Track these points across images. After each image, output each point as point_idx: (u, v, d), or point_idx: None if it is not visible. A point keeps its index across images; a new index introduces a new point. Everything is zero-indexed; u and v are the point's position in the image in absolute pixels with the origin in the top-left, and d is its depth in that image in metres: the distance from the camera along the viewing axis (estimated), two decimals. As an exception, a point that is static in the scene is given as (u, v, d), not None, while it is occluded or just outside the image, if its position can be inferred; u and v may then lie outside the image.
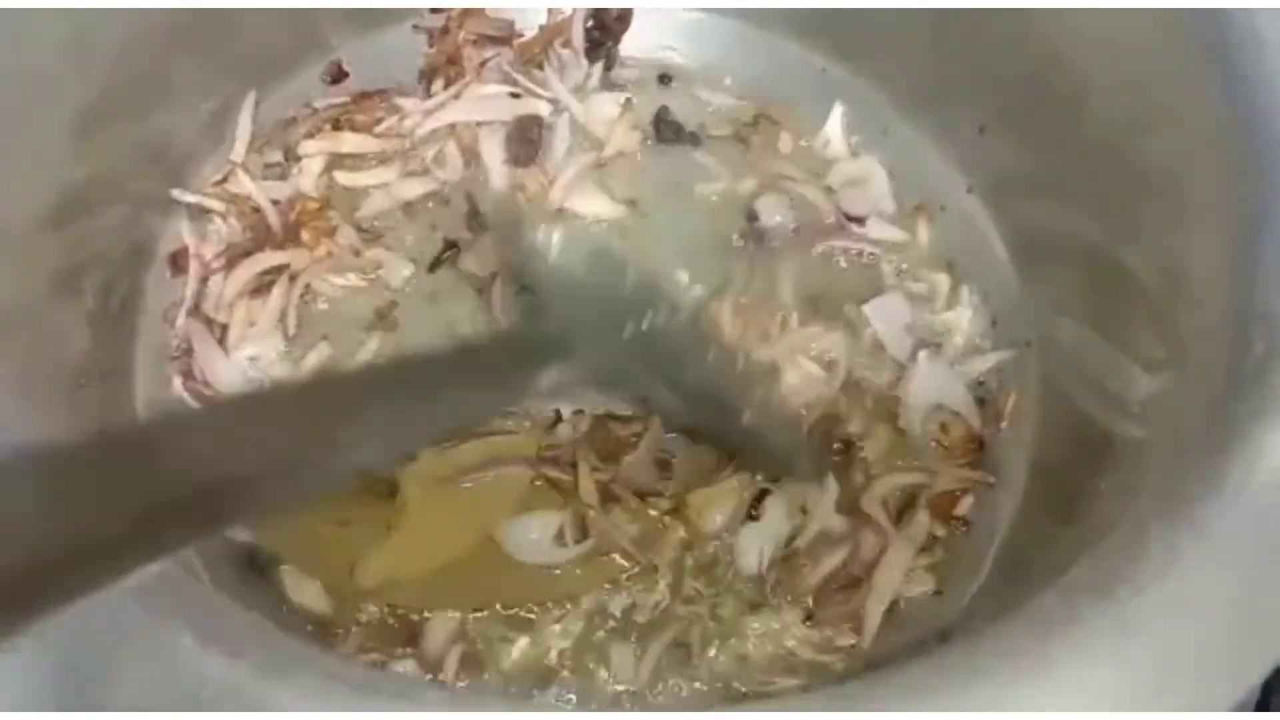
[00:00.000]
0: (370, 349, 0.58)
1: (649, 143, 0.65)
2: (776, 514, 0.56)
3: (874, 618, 0.53)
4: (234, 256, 0.56)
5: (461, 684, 0.51)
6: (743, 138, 0.66)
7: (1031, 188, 0.60)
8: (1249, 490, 0.37)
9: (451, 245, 0.61)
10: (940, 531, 0.56)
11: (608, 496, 0.55)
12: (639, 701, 0.52)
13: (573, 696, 0.52)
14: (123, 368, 0.54)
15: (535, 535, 0.54)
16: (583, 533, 0.54)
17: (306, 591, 0.52)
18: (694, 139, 0.66)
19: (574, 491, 0.55)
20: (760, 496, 0.56)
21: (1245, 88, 0.46)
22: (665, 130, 0.66)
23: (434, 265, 0.60)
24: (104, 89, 0.50)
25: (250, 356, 0.56)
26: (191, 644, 0.30)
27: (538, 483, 0.55)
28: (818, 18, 0.65)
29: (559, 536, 0.54)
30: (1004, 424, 0.59)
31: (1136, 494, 0.42)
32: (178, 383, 0.55)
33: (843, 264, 0.63)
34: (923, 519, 0.56)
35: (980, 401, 0.60)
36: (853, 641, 0.53)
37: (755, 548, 0.55)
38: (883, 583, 0.54)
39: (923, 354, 0.59)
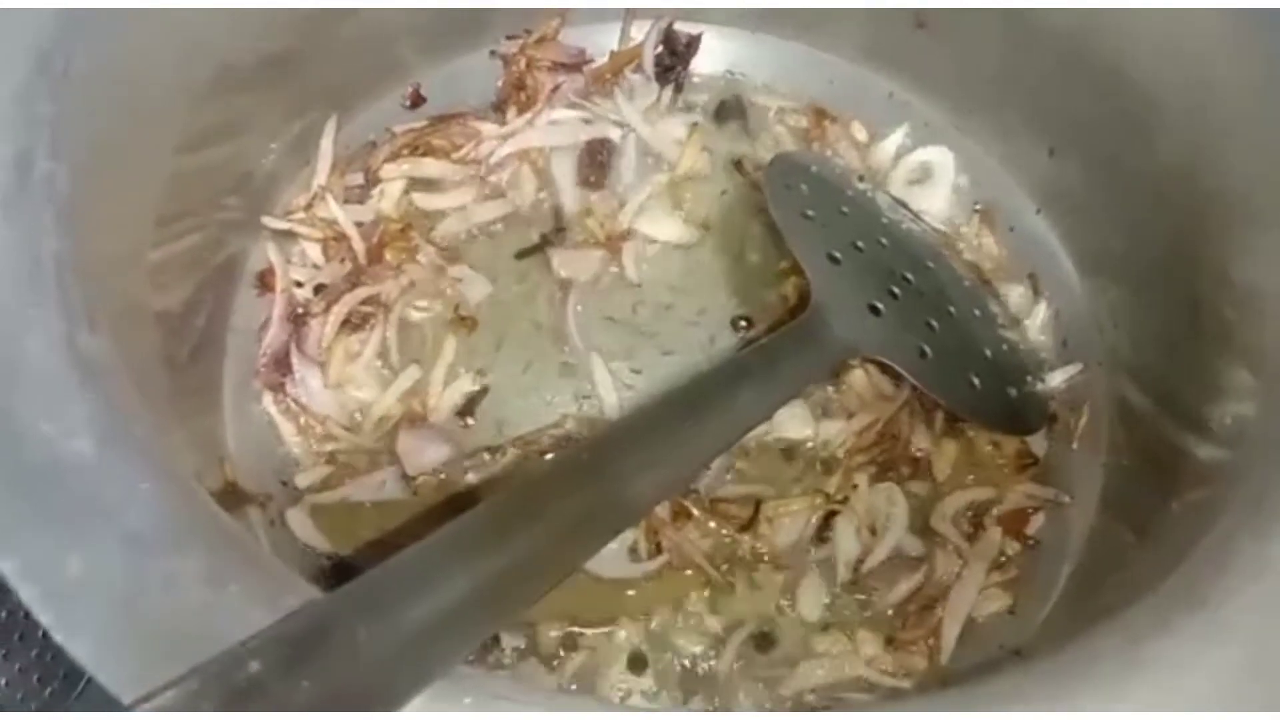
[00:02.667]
0: (448, 353, 0.59)
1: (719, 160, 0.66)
2: (846, 535, 0.56)
3: (951, 636, 0.54)
4: (330, 300, 0.58)
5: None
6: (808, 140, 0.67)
7: (1101, 208, 0.60)
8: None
9: (545, 241, 0.63)
10: (1012, 549, 0.56)
11: (680, 512, 0.56)
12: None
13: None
14: (211, 382, 0.56)
15: (610, 549, 0.54)
16: (656, 548, 0.55)
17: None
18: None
19: (646, 508, 0.56)
20: (829, 517, 0.56)
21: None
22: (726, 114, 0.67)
23: (522, 254, 0.62)
24: (199, 116, 0.51)
25: (345, 385, 0.58)
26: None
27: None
28: (884, 42, 0.66)
29: (633, 551, 0.55)
30: (1075, 443, 0.59)
31: (1217, 512, 0.41)
32: (267, 398, 0.57)
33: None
34: (994, 535, 0.56)
35: (1050, 417, 0.60)
36: (926, 662, 0.54)
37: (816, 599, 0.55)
38: (958, 601, 0.54)
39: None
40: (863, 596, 0.55)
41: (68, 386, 0.34)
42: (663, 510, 0.55)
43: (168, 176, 0.50)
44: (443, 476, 0.56)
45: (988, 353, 0.59)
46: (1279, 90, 0.48)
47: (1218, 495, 0.45)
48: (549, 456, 0.58)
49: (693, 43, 0.67)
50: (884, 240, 0.60)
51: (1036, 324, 0.62)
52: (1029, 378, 0.60)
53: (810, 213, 0.59)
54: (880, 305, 0.56)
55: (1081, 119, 0.59)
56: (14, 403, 0.34)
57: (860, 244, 0.59)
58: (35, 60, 0.41)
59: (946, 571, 0.55)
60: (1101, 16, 0.55)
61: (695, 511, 0.56)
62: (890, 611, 0.55)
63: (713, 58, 0.68)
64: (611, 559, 0.55)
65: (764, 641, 0.54)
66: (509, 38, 0.65)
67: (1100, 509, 0.57)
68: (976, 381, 0.57)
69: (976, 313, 0.61)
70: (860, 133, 0.67)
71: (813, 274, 0.56)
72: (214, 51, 0.50)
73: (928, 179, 0.66)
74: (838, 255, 0.57)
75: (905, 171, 0.66)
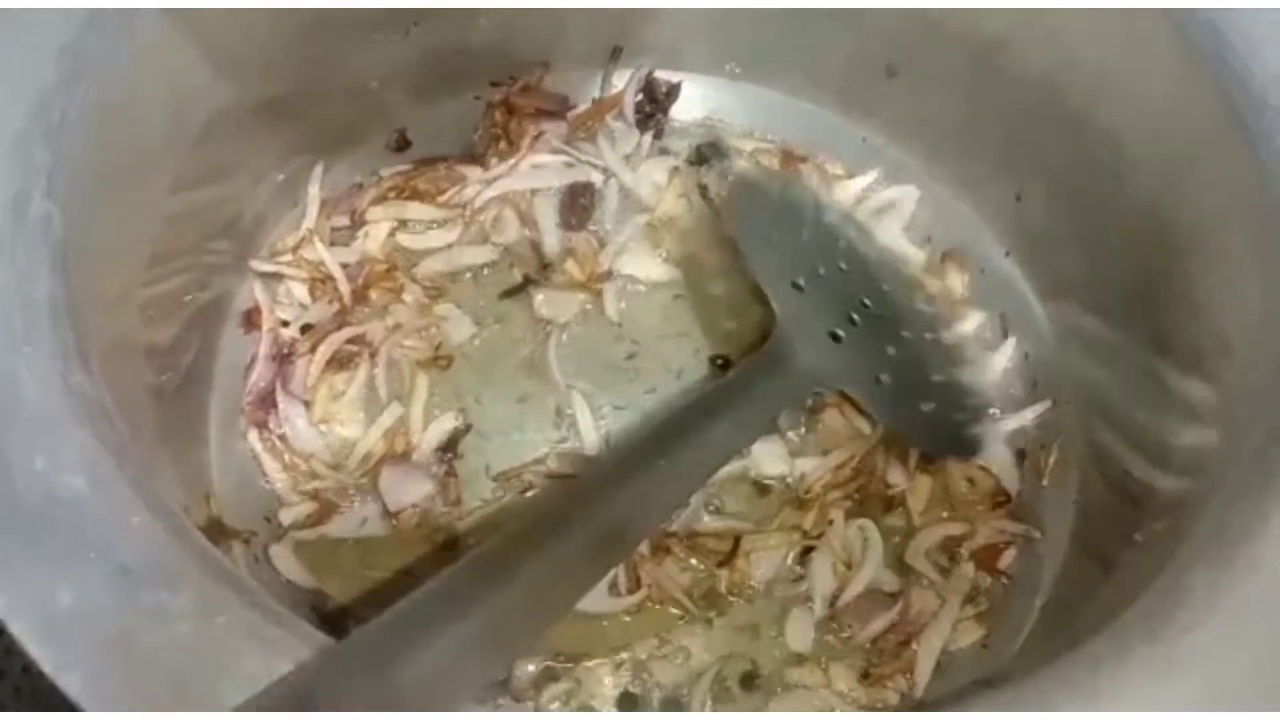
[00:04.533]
0: (422, 391, 0.60)
1: (698, 203, 0.68)
2: (822, 570, 0.57)
3: (925, 670, 0.55)
4: (316, 339, 0.59)
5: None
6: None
7: (1069, 251, 0.61)
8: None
9: (528, 282, 0.64)
10: (985, 583, 0.58)
11: (659, 547, 0.57)
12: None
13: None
14: (198, 418, 0.57)
15: (589, 584, 0.56)
16: (635, 582, 0.56)
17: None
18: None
19: (626, 543, 0.57)
20: (805, 552, 0.57)
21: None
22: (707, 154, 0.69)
23: (505, 295, 0.64)
24: (191, 162, 0.53)
25: (330, 423, 0.59)
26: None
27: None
28: (858, 90, 0.68)
29: (612, 586, 0.56)
30: (1045, 480, 0.60)
31: (1179, 542, 0.43)
32: (253, 435, 0.58)
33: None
34: (967, 570, 0.57)
35: (1020, 455, 0.61)
36: (900, 696, 0.55)
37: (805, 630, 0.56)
38: (933, 635, 0.55)
39: (969, 410, 0.61)
40: (838, 631, 0.56)
41: (61, 424, 0.35)
42: (642, 545, 0.56)
43: (159, 219, 0.51)
44: (424, 512, 0.57)
45: (937, 377, 0.60)
46: (1235, 134, 0.49)
47: (1180, 526, 0.46)
48: (530, 493, 0.59)
49: (672, 91, 0.69)
50: (843, 265, 0.62)
51: (1005, 363, 0.64)
52: (972, 402, 0.61)
53: (773, 237, 0.60)
54: (841, 333, 0.57)
55: (1048, 164, 0.61)
56: (8, 439, 0.35)
57: (821, 269, 0.60)
58: (33, 107, 0.42)
59: (922, 606, 0.56)
60: (1069, 64, 0.57)
61: (674, 546, 0.57)
62: (866, 646, 0.56)
63: (692, 104, 0.70)
64: (590, 593, 0.55)
65: (740, 676, 0.55)
66: (494, 84, 0.67)
67: (1071, 544, 0.58)
68: (926, 407, 0.58)
69: (928, 336, 0.62)
70: (836, 169, 0.69)
71: (776, 302, 0.57)
72: (205, 101, 0.52)
73: (891, 211, 0.68)
74: (800, 283, 0.58)
75: (871, 206, 0.68)
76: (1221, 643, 0.35)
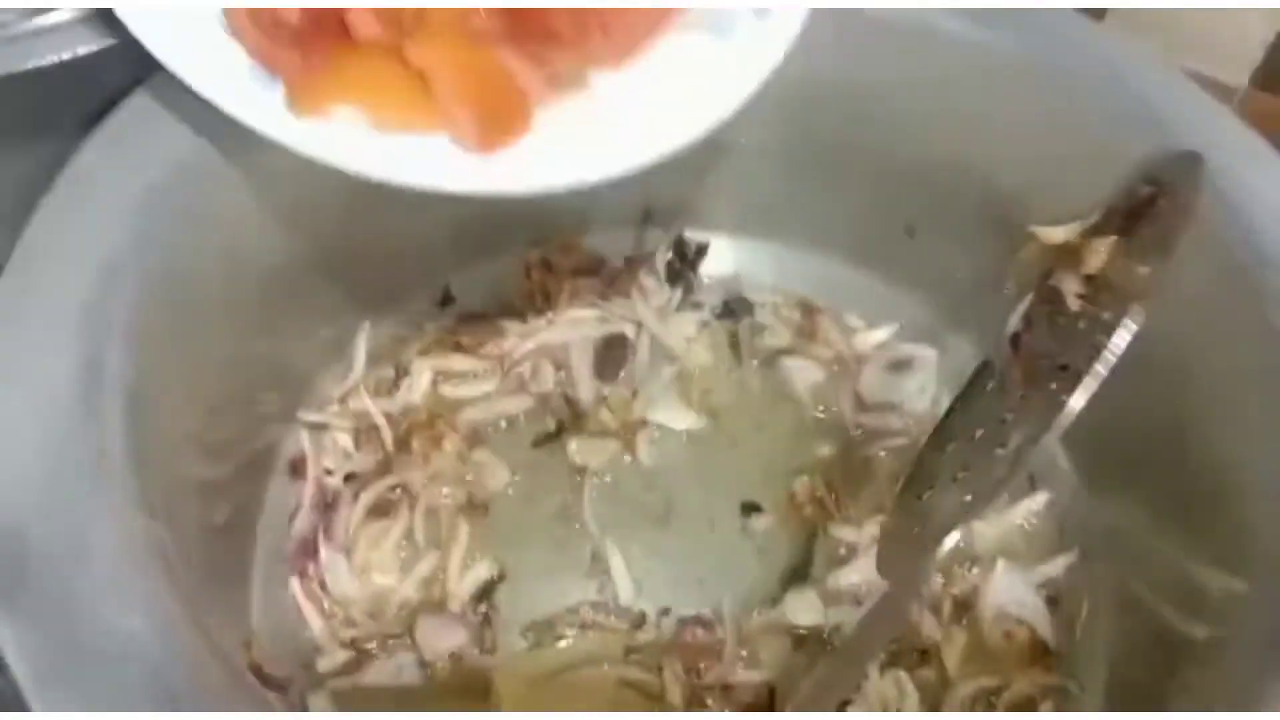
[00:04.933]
0: (462, 539, 0.61)
1: (726, 354, 0.71)
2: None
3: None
4: (358, 488, 0.61)
5: None
6: (805, 334, 0.72)
7: (1093, 402, 0.62)
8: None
9: (562, 429, 0.66)
10: (1023, 738, 0.57)
11: (693, 699, 0.57)
12: None
13: None
14: (242, 566, 0.58)
15: (625, 739, 0.56)
16: (671, 737, 0.56)
17: (408, 788, 0.53)
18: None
19: (661, 695, 0.57)
20: (841, 706, 0.56)
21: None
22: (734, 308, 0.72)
23: (538, 442, 0.66)
24: (246, 320, 0.55)
25: (370, 571, 0.60)
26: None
27: (627, 684, 0.58)
28: (878, 249, 0.71)
29: (646, 742, 0.56)
30: (1078, 632, 0.60)
31: (1218, 693, 0.43)
32: (294, 583, 0.59)
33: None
34: (1005, 726, 0.57)
35: (1052, 602, 0.61)
36: None
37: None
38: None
39: (1001, 562, 0.61)
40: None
41: (127, 568, 0.37)
42: (676, 698, 0.56)
43: (216, 373, 0.53)
44: (459, 661, 0.58)
45: None
46: (1247, 299, 0.51)
47: (1218, 676, 0.46)
48: (563, 643, 0.59)
49: (701, 249, 0.73)
50: None
51: (1033, 514, 0.64)
52: None
53: None
54: None
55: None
56: (79, 583, 0.36)
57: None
58: (108, 268, 0.45)
59: (964, 764, 0.56)
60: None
61: (709, 699, 0.57)
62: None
63: (719, 261, 0.73)
64: (624, 753, 0.56)
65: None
66: (533, 244, 0.71)
67: (1107, 695, 0.57)
68: None
69: None
70: (855, 321, 0.72)
71: None
72: (260, 263, 0.55)
73: (910, 366, 0.70)
74: None
75: (890, 359, 0.70)
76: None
